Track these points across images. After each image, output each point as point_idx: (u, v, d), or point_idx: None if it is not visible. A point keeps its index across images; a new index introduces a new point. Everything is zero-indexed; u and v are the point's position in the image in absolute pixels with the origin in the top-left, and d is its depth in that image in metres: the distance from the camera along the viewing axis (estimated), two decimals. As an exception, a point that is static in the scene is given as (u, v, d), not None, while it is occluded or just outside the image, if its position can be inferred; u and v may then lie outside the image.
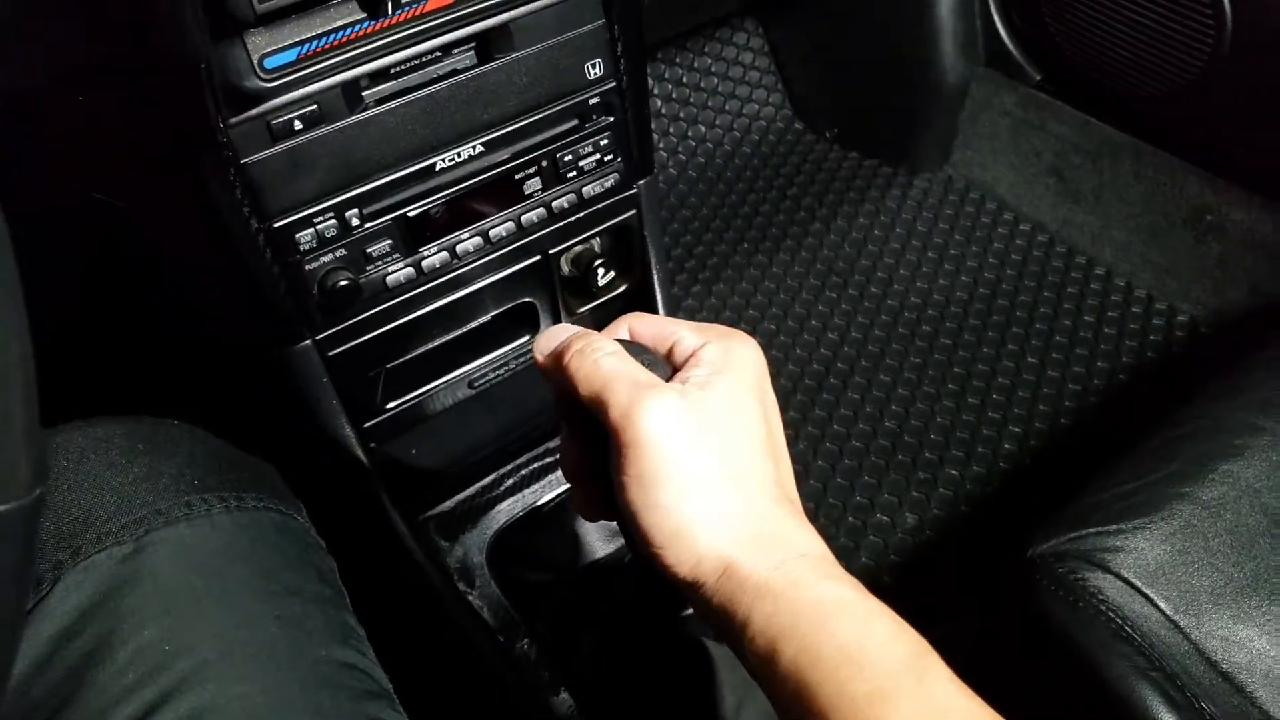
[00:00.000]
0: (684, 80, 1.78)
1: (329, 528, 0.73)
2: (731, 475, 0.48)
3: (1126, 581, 0.77)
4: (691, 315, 1.54)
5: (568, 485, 0.92)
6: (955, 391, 1.42)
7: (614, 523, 0.89)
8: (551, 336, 0.55)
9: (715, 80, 1.79)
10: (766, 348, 1.45)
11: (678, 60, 1.77)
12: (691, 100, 1.78)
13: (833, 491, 1.32)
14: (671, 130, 1.76)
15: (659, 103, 1.74)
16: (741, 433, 0.50)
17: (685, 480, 0.47)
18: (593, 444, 0.53)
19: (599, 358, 0.51)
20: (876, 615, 0.46)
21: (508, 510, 0.90)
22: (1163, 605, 0.76)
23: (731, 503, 0.48)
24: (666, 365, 0.53)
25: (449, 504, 0.91)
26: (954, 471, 1.33)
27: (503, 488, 0.92)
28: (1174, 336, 1.43)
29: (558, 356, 0.53)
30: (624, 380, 0.49)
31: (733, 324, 1.51)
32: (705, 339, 0.53)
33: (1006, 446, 1.35)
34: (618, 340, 0.54)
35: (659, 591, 0.70)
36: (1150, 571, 0.77)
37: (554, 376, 0.53)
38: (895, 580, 1.24)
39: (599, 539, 0.88)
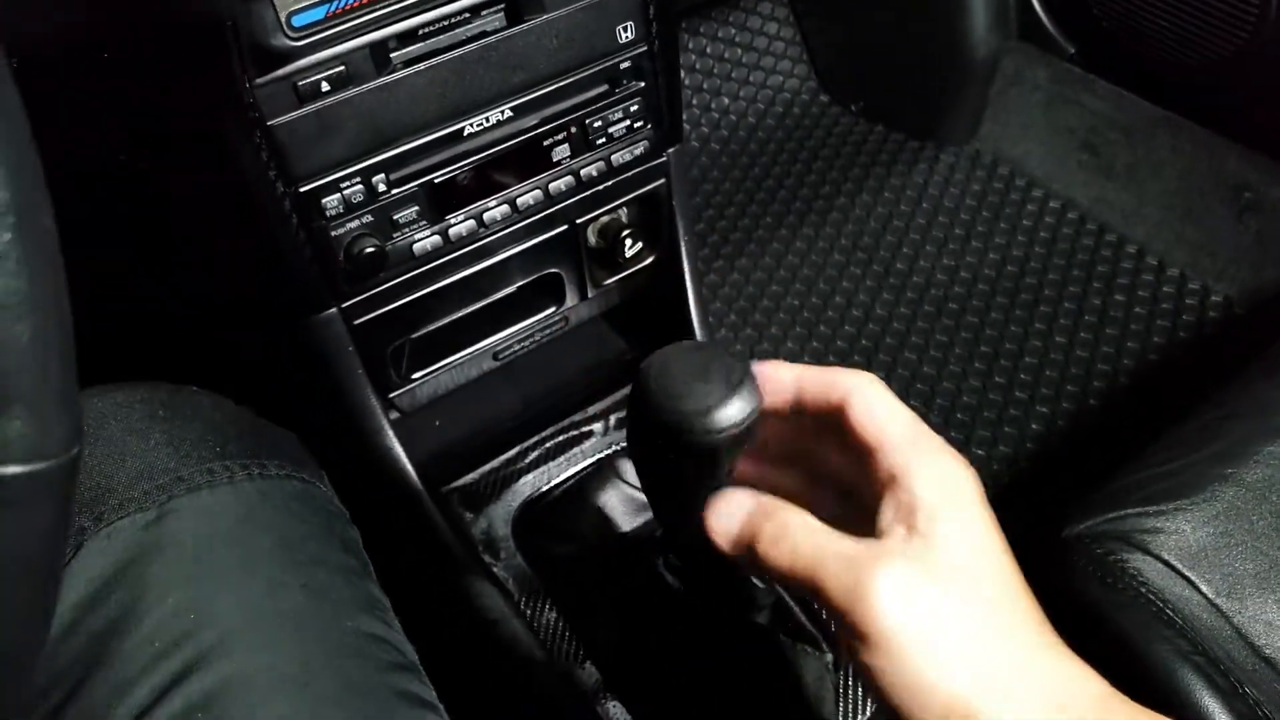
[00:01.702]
0: (707, 50, 1.75)
1: (351, 497, 0.72)
2: (987, 629, 0.42)
3: (1167, 563, 0.76)
4: (714, 291, 1.52)
5: (593, 459, 0.91)
6: (982, 370, 1.40)
7: (640, 495, 0.87)
8: (728, 515, 0.47)
9: (739, 51, 1.77)
10: (790, 325, 1.45)
11: (701, 30, 1.75)
12: (715, 71, 1.75)
13: (857, 470, 1.30)
14: (694, 102, 1.74)
15: (682, 73, 1.72)
16: (988, 581, 0.43)
17: (936, 649, 0.41)
18: None
19: (796, 541, 0.44)
20: None
21: (533, 483, 0.89)
22: (1204, 588, 0.74)
23: (1006, 664, 0.41)
24: (747, 381, 0.45)
25: (473, 476, 0.89)
26: (980, 451, 1.32)
27: (527, 460, 0.91)
28: (1207, 316, 1.40)
29: (745, 543, 0.46)
30: (834, 559, 0.43)
31: (755, 300, 1.50)
32: (912, 457, 0.45)
33: (1034, 427, 1.33)
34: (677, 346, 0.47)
35: (692, 572, 0.69)
36: (1192, 554, 0.76)
37: (746, 565, 0.47)
38: (920, 560, 1.22)
39: (626, 512, 0.87)
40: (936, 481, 0.44)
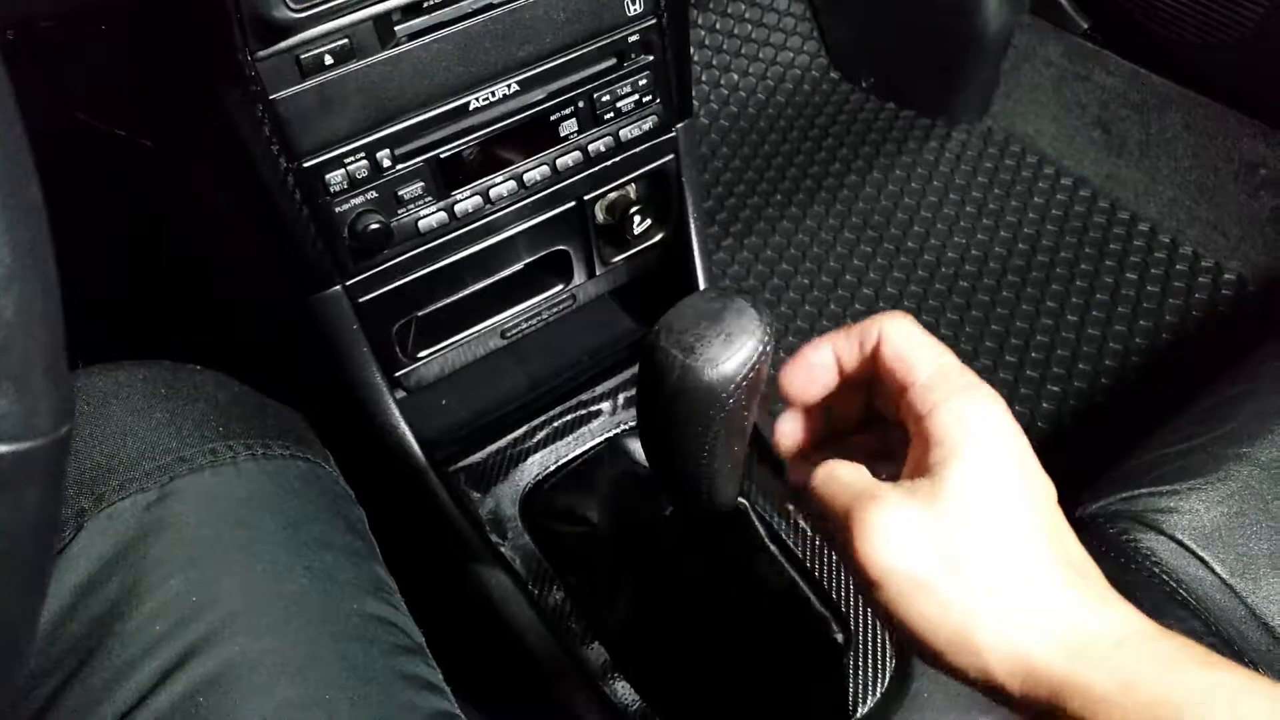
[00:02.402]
0: (717, 26, 1.73)
1: (357, 477, 0.71)
2: (999, 569, 0.41)
3: (1180, 543, 0.75)
4: (723, 269, 1.51)
5: (601, 438, 0.91)
6: (992, 349, 1.39)
7: (648, 474, 0.87)
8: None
9: (749, 27, 1.75)
10: (799, 304, 1.44)
11: (711, 5, 1.73)
12: (724, 47, 1.73)
13: (866, 449, 1.29)
14: (703, 78, 1.72)
15: (691, 49, 1.70)
16: (999, 520, 0.42)
17: (945, 591, 0.41)
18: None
19: (824, 484, 0.46)
20: (1235, 700, 0.37)
21: (540, 462, 0.88)
22: (1218, 568, 0.74)
23: (1011, 600, 0.41)
24: (756, 326, 0.46)
25: (480, 455, 0.89)
26: (990, 430, 1.30)
27: (535, 440, 0.90)
28: (1220, 295, 1.39)
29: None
30: (842, 497, 0.44)
31: (764, 279, 1.49)
32: (942, 394, 0.45)
33: (1045, 406, 1.32)
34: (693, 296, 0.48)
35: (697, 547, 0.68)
36: (1206, 533, 0.75)
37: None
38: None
39: (634, 492, 0.86)
40: (954, 421, 0.44)
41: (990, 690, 0.41)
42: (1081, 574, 0.42)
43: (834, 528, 0.44)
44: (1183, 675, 0.38)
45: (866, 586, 0.43)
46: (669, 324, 0.47)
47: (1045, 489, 0.44)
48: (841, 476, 0.45)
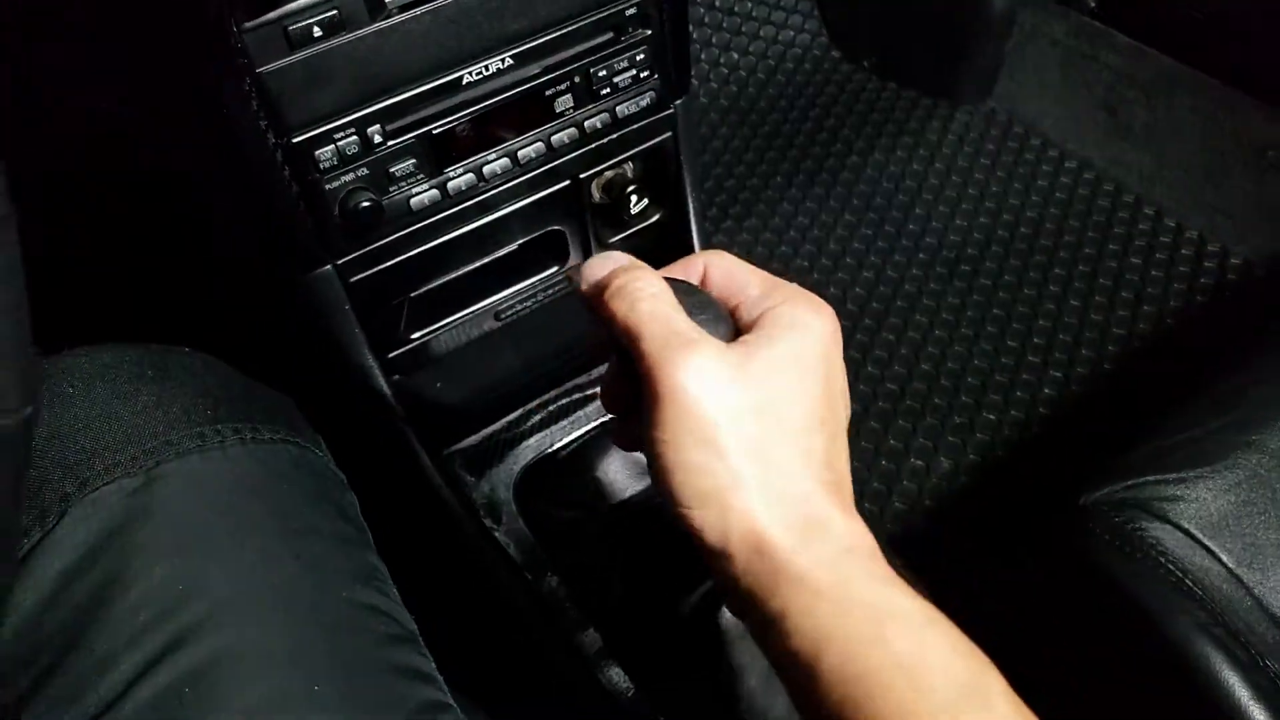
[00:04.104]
0: (716, 4, 1.71)
1: (350, 462, 0.70)
2: (774, 446, 0.44)
3: (1187, 533, 0.74)
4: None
5: (597, 422, 0.90)
6: (994, 334, 1.37)
7: (643, 459, 0.86)
8: (599, 265, 0.51)
9: (749, 4, 1.73)
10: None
11: (710, -17, 1.71)
12: (724, 26, 1.71)
13: (865, 435, 1.29)
14: (702, 57, 1.70)
15: (690, 27, 1.68)
16: (790, 404, 0.45)
17: (718, 442, 0.43)
18: (634, 379, 0.49)
19: (636, 300, 0.47)
20: (934, 625, 0.42)
21: (535, 446, 0.87)
22: (1225, 558, 0.73)
23: (771, 475, 0.44)
24: (727, 318, 0.49)
25: (474, 439, 0.87)
26: (991, 416, 1.29)
27: (530, 423, 0.88)
28: (1226, 280, 1.37)
29: (600, 289, 0.49)
30: (660, 328, 0.46)
31: (763, 261, 1.47)
32: (774, 301, 0.48)
33: (1046, 391, 1.31)
34: (674, 280, 0.50)
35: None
36: (1213, 523, 0.74)
37: (593, 310, 0.50)
38: (930, 526, 1.21)
39: (630, 477, 0.85)
40: (779, 316, 0.47)
41: (722, 556, 0.43)
42: (838, 484, 0.46)
43: (634, 348, 0.46)
44: (890, 592, 0.42)
45: (651, 417, 0.44)
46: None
47: (841, 401, 0.48)
48: (646, 308, 0.46)
